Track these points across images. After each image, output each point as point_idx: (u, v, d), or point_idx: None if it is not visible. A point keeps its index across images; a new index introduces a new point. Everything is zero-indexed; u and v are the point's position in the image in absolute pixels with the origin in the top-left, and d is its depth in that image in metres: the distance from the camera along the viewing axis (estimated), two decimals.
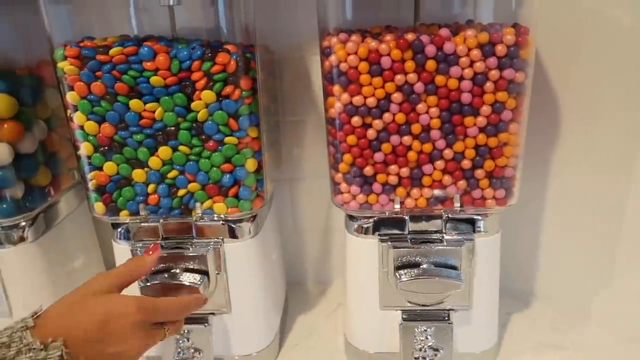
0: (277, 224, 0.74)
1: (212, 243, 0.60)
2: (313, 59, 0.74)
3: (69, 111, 0.56)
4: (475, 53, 0.52)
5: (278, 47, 0.73)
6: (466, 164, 0.56)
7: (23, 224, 0.63)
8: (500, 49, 0.52)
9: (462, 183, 0.57)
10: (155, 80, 0.53)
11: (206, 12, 0.62)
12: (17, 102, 0.59)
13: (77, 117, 0.55)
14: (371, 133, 0.55)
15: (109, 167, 0.57)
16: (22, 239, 0.63)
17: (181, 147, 0.56)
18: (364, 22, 0.59)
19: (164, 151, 0.56)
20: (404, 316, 0.61)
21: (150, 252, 0.53)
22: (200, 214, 0.59)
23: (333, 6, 0.56)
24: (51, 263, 0.66)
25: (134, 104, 0.54)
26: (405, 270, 0.58)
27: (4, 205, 0.60)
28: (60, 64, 0.54)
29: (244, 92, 0.55)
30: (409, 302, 0.60)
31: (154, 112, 0.55)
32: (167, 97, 0.54)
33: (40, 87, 0.66)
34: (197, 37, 0.59)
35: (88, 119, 0.55)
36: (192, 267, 0.60)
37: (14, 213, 0.61)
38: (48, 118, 0.66)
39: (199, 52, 0.53)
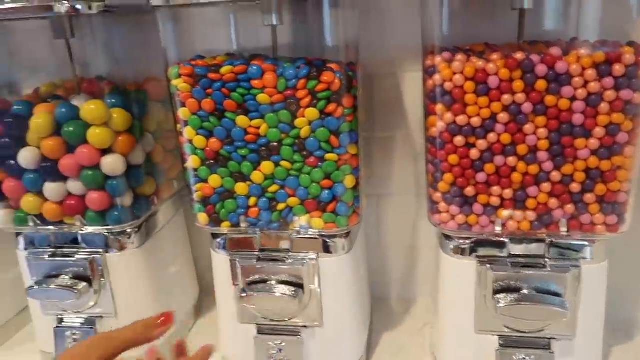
0: (365, 240, 0.74)
1: (307, 257, 0.61)
2: (405, 76, 0.74)
3: (178, 126, 0.60)
4: (590, 73, 0.50)
5: (369, 62, 0.73)
6: (575, 187, 0.54)
7: (129, 230, 0.66)
8: (618, 69, 0.49)
9: (569, 207, 0.54)
10: (262, 97, 0.55)
11: (310, 30, 0.63)
12: (131, 116, 0.63)
13: (187, 132, 0.58)
14: (474, 153, 0.54)
15: (214, 180, 0.59)
16: (128, 245, 0.67)
17: (283, 163, 0.57)
18: (461, 38, 0.59)
19: (267, 166, 0.58)
20: (501, 342, 0.59)
21: (162, 322, 0.45)
22: (298, 228, 0.60)
23: (437, 25, 0.56)
24: (152, 268, 0.70)
25: (241, 120, 0.56)
26: (505, 295, 0.56)
27: (116, 213, 0.64)
28: (174, 82, 0.57)
29: (345, 110, 0.56)
30: (506, 327, 0.58)
31: (259, 128, 0.57)
32: (272, 114, 0.56)
33: (147, 102, 0.70)
34: (295, 54, 0.62)
35: (197, 134, 0.58)
36: (287, 279, 0.61)
37: (124, 220, 0.65)
38: (153, 131, 0.70)
39: (304, 71, 0.54)
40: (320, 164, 0.57)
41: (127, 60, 0.70)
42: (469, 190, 0.55)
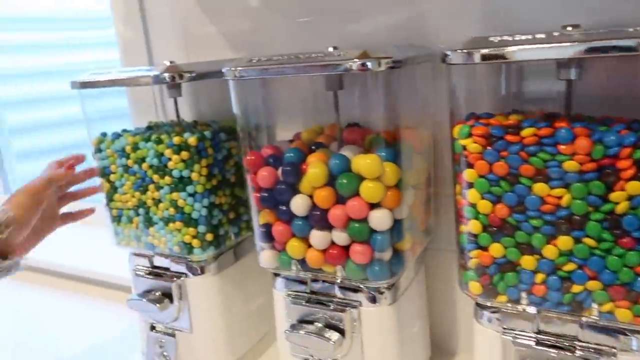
0: None
1: (602, 349, 0.52)
2: None
3: (458, 186, 0.56)
4: None
5: None
6: None
7: (383, 288, 0.64)
8: None
9: None
10: (569, 165, 0.49)
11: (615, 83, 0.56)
12: (400, 170, 0.62)
13: (471, 195, 0.54)
14: None
15: (496, 249, 0.54)
16: (381, 301, 0.65)
17: (586, 240, 0.50)
18: None
19: (564, 241, 0.51)
20: None
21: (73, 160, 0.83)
22: (595, 316, 0.51)
23: None
24: (400, 326, 0.67)
25: (539, 187, 0.50)
26: None
27: (376, 267, 0.63)
28: (462, 141, 0.54)
29: None
30: None
31: (560, 198, 0.50)
32: (580, 184, 0.49)
33: (412, 154, 0.68)
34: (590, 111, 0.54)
35: (483, 198, 0.54)
36: None
37: (382, 276, 0.63)
38: (413, 185, 0.68)
39: (631, 139, 0.46)
40: (637, 246, 0.48)
41: (390, 110, 0.69)
42: None
